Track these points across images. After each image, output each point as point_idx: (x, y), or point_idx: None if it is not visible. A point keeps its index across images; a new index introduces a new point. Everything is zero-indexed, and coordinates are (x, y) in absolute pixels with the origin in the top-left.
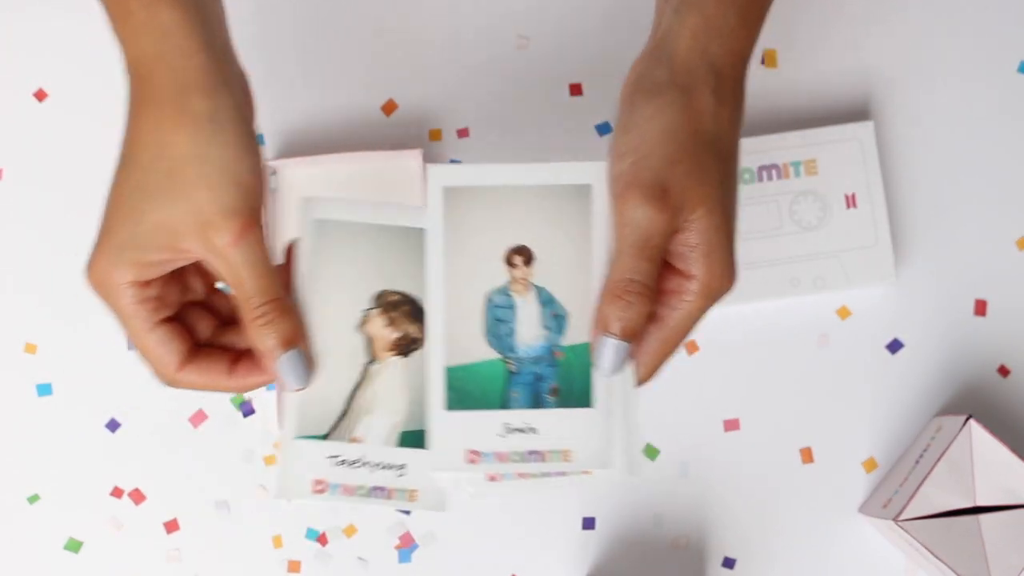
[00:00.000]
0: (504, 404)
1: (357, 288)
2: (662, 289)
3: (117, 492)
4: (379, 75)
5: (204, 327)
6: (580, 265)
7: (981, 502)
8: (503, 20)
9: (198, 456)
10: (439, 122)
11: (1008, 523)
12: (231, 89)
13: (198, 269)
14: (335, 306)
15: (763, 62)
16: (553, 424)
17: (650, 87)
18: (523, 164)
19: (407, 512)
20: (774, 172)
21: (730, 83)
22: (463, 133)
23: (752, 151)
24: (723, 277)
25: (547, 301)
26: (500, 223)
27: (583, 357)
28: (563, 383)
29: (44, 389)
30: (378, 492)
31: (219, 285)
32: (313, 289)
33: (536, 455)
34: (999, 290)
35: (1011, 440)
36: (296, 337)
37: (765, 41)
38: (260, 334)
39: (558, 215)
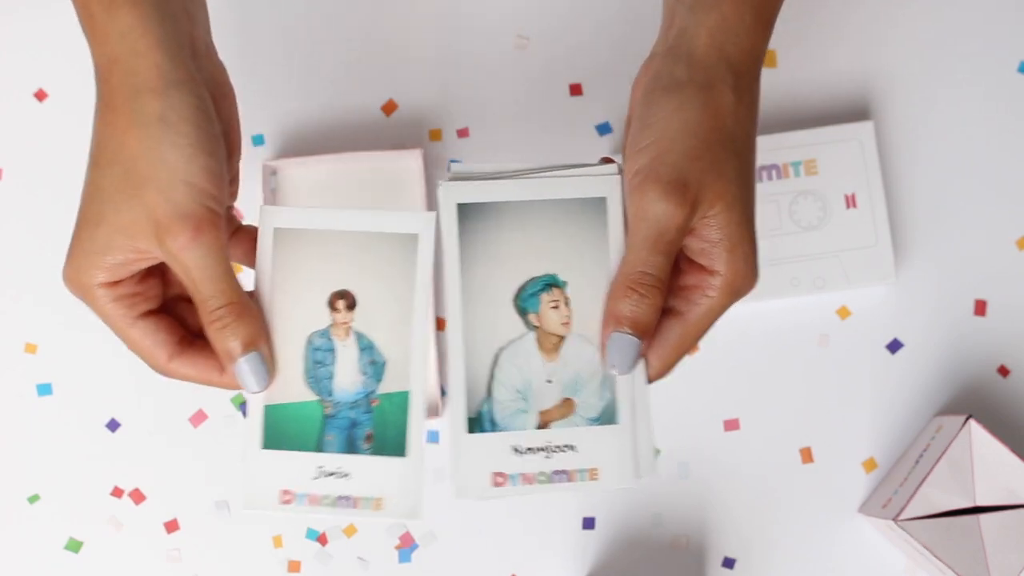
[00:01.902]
0: (319, 446)
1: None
2: (683, 285)
3: (117, 492)
4: (379, 75)
5: (195, 319)
6: (402, 314)
7: (981, 502)
8: (503, 20)
9: (198, 456)
10: (439, 122)
11: (1008, 523)
12: (190, 87)
13: None
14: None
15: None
16: (367, 471)
17: (669, 84)
18: (353, 209)
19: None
20: (774, 172)
21: (747, 80)
22: (463, 133)
23: None
24: (746, 274)
25: (366, 347)
26: (327, 267)
27: (398, 406)
28: (378, 430)
29: (44, 389)
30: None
31: None
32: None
33: (348, 500)
34: (999, 290)
35: (1011, 440)
36: (256, 339)
37: None
38: (218, 337)
39: (384, 263)
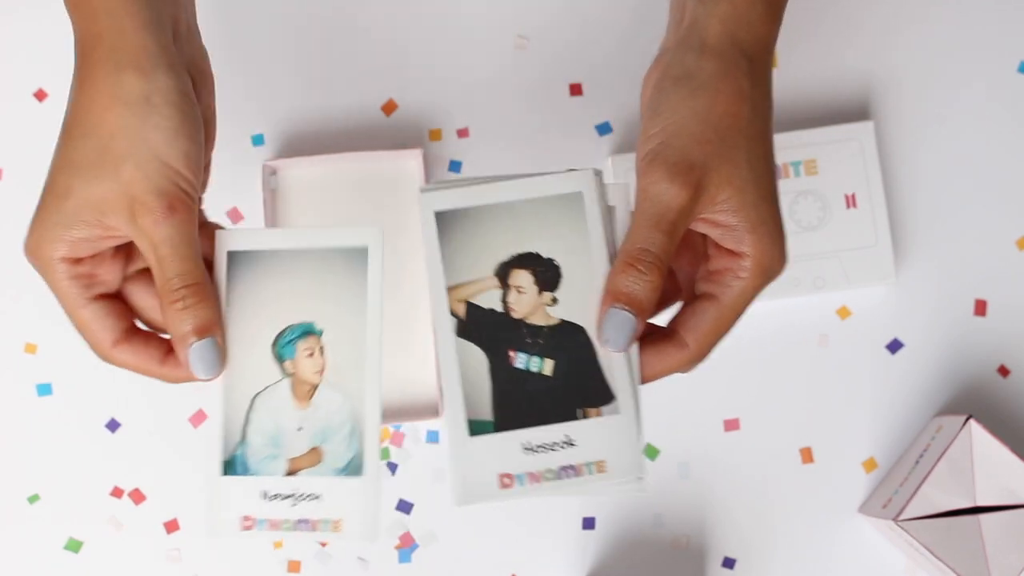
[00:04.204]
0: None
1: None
2: (714, 269)
3: (117, 492)
4: (379, 75)
5: (146, 309)
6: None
7: (981, 502)
8: (503, 20)
9: (198, 456)
10: (439, 122)
11: (1008, 523)
12: (174, 71)
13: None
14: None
15: None
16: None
17: (680, 74)
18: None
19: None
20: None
21: (761, 67)
22: (463, 133)
23: None
24: (774, 254)
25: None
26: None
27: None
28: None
29: (44, 389)
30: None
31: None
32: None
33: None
34: (999, 290)
35: (1011, 440)
36: (212, 325)
37: None
38: (176, 318)
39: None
